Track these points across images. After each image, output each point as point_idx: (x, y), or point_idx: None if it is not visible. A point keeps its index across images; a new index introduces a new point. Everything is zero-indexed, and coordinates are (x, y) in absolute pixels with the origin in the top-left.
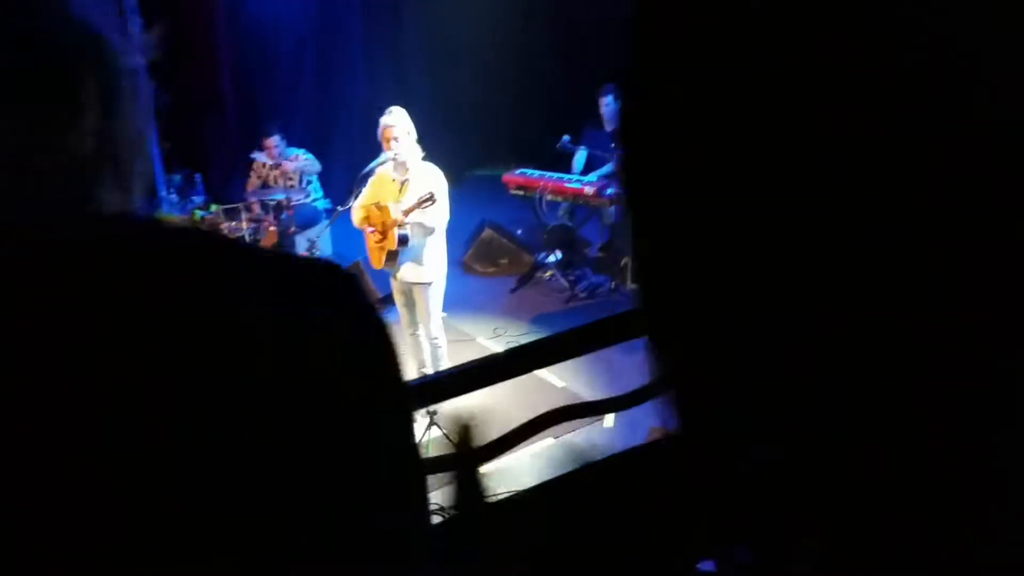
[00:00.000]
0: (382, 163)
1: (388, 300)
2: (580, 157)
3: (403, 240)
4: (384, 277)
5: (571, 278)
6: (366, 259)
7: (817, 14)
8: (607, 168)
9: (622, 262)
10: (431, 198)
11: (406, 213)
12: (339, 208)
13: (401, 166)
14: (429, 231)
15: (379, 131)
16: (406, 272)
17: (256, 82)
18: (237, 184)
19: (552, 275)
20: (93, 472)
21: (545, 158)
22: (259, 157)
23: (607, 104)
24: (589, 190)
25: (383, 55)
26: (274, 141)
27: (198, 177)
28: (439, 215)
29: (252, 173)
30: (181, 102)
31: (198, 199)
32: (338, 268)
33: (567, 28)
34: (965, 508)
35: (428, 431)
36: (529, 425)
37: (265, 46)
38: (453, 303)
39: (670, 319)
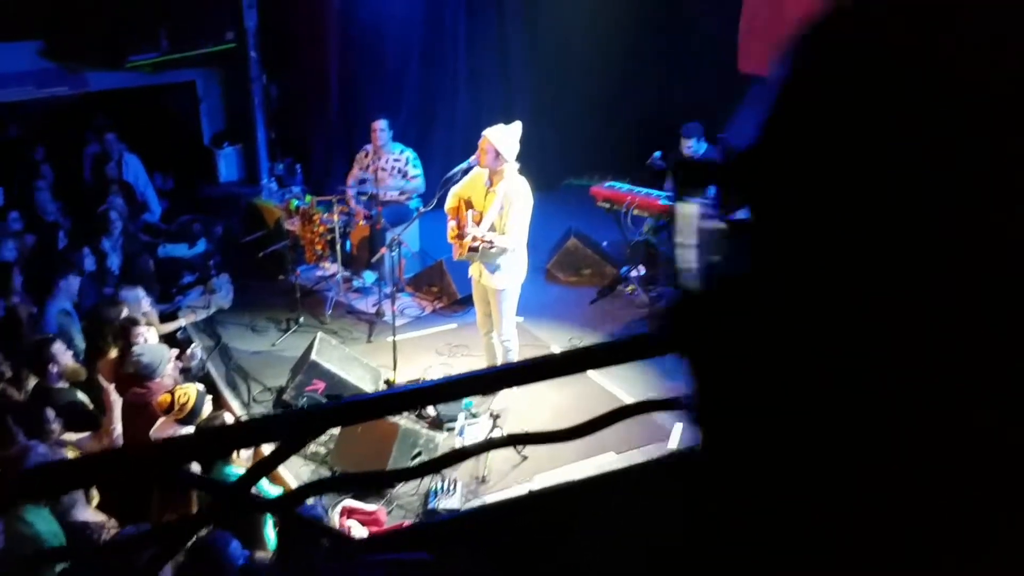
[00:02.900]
0: (464, 169)
1: (467, 301)
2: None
3: (473, 250)
4: (465, 278)
5: (653, 294)
6: (449, 259)
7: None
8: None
9: None
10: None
11: (476, 239)
12: (422, 209)
13: (490, 176)
14: (501, 251)
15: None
16: (483, 275)
17: (361, 80)
18: (335, 177)
19: (634, 290)
20: None
21: (644, 174)
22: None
23: (689, 147)
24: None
25: (487, 60)
26: (380, 125)
27: (299, 167)
28: (511, 239)
29: (355, 165)
30: (290, 94)
31: (296, 188)
32: None
33: (670, 46)
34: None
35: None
36: (612, 414)
37: (373, 46)
38: (532, 309)
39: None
